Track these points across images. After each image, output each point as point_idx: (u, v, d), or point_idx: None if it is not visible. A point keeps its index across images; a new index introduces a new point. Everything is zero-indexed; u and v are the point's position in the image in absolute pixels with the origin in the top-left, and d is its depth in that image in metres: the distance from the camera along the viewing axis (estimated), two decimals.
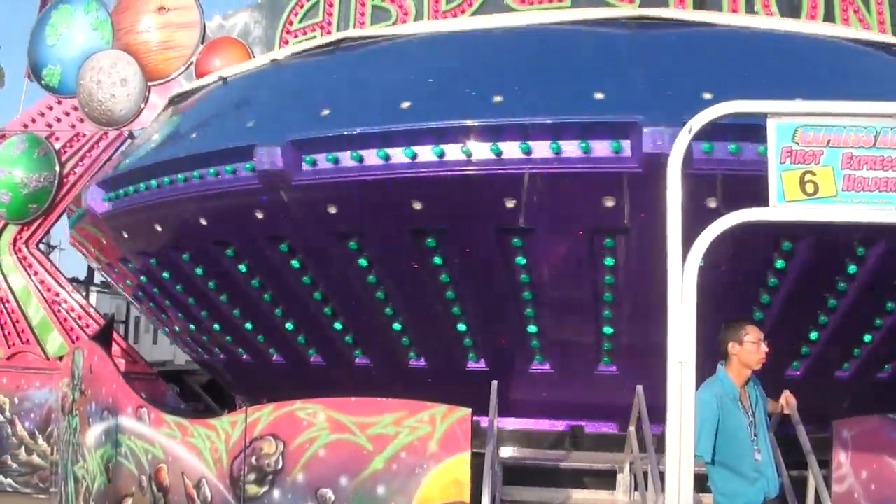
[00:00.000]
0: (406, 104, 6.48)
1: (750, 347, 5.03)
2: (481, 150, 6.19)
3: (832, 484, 6.24)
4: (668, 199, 3.68)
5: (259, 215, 6.99)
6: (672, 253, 3.64)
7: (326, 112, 6.76)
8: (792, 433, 6.14)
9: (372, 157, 6.36)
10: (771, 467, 5.09)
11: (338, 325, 7.73)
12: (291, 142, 6.55)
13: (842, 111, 3.83)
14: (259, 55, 9.46)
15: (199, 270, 8.05)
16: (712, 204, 5.80)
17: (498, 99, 6.35)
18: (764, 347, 5.07)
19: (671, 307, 3.61)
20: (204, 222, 7.42)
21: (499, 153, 6.17)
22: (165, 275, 8.46)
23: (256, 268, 7.64)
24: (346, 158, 6.44)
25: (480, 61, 6.93)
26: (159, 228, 7.87)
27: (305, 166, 6.58)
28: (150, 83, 11.26)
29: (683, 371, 3.59)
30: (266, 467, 6.43)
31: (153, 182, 7.58)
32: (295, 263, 7.34)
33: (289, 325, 8.00)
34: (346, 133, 6.45)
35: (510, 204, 6.31)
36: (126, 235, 8.43)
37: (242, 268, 7.68)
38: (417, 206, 6.45)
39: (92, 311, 12.02)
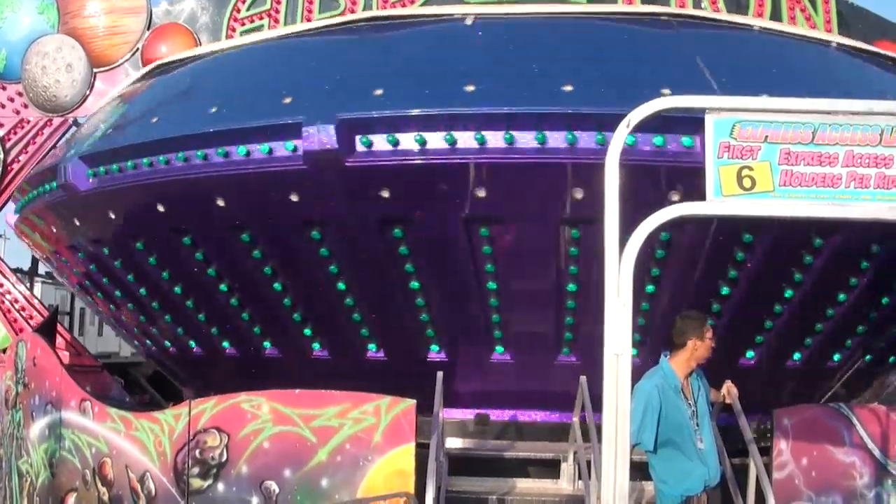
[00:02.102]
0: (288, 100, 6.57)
1: (708, 343, 5.21)
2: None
3: (773, 471, 6.35)
4: (606, 192, 3.70)
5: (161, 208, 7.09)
6: (609, 246, 3.67)
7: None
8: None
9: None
10: (713, 456, 5.19)
11: (245, 316, 7.85)
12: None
13: (780, 107, 3.88)
14: (206, 42, 9.33)
15: (117, 263, 8.10)
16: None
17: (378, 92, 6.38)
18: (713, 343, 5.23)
19: (608, 300, 3.64)
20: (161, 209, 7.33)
21: (369, 145, 6.28)
22: (92, 267, 8.55)
23: (163, 260, 7.70)
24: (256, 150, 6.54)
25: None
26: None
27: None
28: (95, 69, 11.04)
29: (619, 363, 3.63)
30: (210, 460, 6.38)
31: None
32: (198, 255, 7.42)
33: (201, 317, 8.08)
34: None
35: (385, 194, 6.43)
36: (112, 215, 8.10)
37: (152, 260, 7.76)
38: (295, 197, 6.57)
39: (36, 302, 11.76)
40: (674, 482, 5.13)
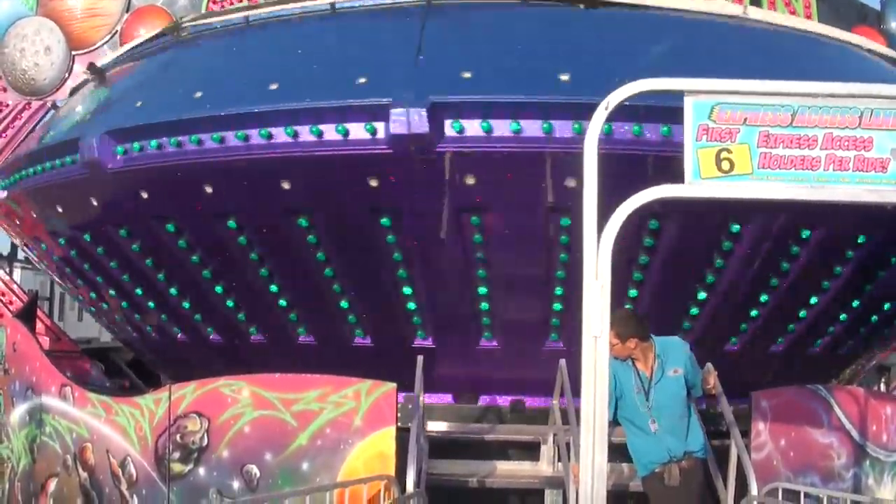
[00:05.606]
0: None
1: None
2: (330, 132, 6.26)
3: (751, 452, 6.40)
4: (585, 176, 3.69)
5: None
6: (587, 230, 3.66)
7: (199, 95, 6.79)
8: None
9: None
10: (674, 438, 5.36)
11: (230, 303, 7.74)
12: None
13: (759, 90, 3.87)
14: None
15: (100, 250, 7.99)
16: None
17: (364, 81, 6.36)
18: None
19: (586, 283, 3.64)
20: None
21: (345, 133, 6.24)
22: (73, 253, 8.39)
23: (147, 247, 7.61)
24: (208, 140, 6.51)
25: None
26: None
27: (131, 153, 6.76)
28: (74, 52, 10.94)
29: (597, 345, 3.64)
30: (191, 445, 6.38)
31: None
32: (181, 243, 7.32)
33: (185, 304, 8.01)
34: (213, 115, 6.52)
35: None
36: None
37: (135, 247, 7.65)
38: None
39: (15, 287, 11.71)
40: (636, 450, 5.47)
